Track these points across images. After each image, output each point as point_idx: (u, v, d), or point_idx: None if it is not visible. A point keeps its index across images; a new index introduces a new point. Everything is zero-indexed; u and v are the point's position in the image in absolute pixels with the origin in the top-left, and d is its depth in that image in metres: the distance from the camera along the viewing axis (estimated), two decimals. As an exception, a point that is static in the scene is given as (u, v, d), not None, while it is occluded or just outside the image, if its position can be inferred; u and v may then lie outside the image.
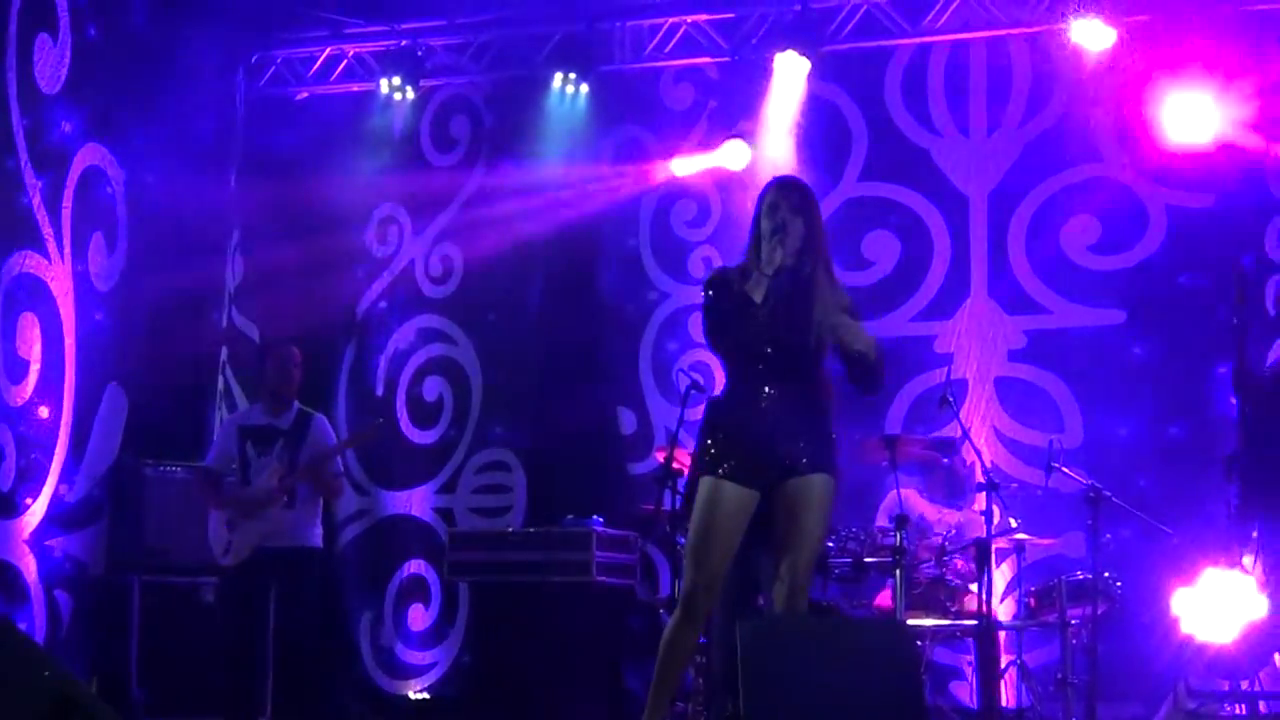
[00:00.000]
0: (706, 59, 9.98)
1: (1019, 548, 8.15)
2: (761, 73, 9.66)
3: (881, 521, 8.18)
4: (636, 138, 10.17)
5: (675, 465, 7.21)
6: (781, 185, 5.86)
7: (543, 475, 10.09)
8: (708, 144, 9.85)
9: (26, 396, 8.64)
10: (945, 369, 8.42)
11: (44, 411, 8.74)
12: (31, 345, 8.66)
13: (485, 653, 9.46)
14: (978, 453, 8.15)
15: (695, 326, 9.37)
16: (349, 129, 10.61)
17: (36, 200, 8.69)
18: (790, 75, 9.56)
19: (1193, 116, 8.81)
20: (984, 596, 7.50)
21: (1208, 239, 8.89)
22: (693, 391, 7.16)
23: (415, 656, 10.19)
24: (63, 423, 8.85)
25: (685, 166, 9.92)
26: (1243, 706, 7.45)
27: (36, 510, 8.67)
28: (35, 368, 8.68)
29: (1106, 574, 7.95)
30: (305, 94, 10.79)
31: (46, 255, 8.77)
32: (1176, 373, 8.92)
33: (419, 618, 10.23)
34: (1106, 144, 9.17)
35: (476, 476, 10.30)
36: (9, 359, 8.52)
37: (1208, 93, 8.78)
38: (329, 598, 9.33)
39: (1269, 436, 7.44)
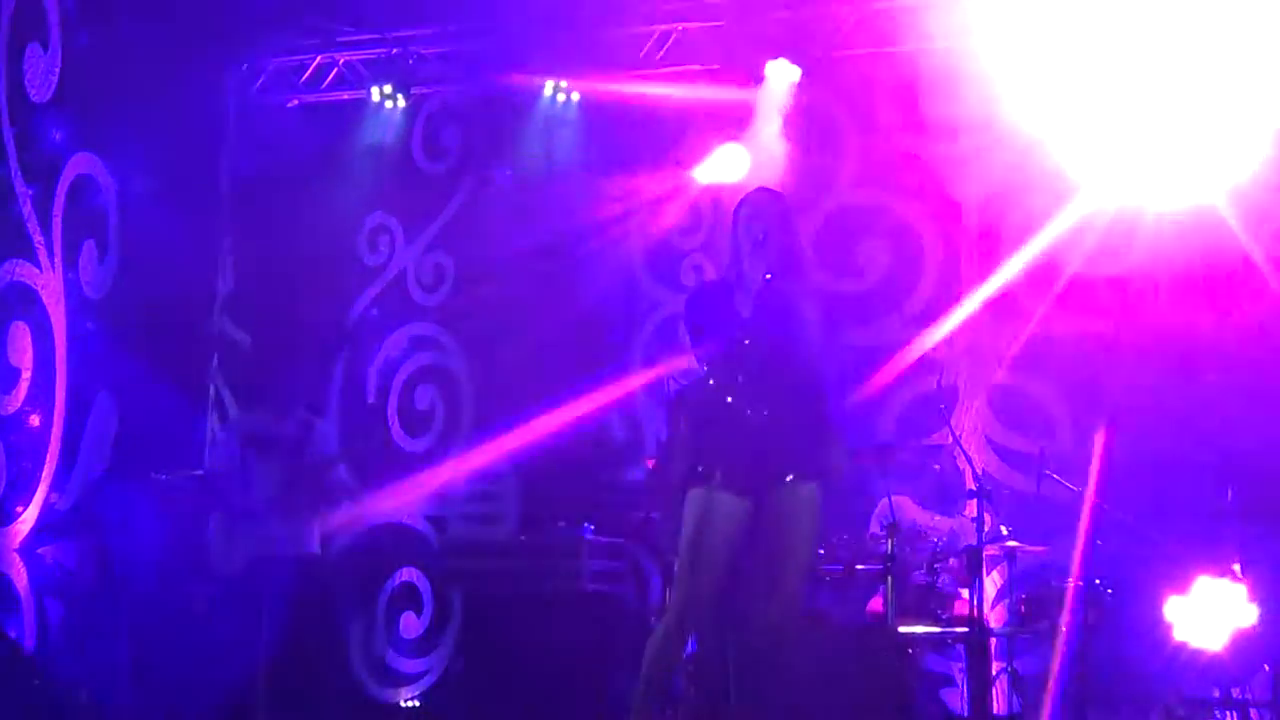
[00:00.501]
0: (697, 66, 9.99)
1: (1010, 554, 8.15)
2: (753, 81, 9.66)
3: (873, 528, 8.19)
4: (627, 146, 10.17)
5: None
6: (757, 198, 5.89)
7: (534, 483, 10.09)
8: (699, 152, 9.85)
9: (17, 405, 8.64)
10: (936, 377, 8.43)
11: (35, 420, 8.74)
12: (22, 354, 8.66)
13: (477, 660, 9.45)
14: (969, 459, 8.16)
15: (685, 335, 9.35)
16: (340, 137, 10.62)
17: (27, 209, 8.69)
18: (781, 83, 9.57)
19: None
20: (975, 603, 7.51)
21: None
22: (681, 399, 7.17)
23: (407, 664, 10.18)
24: (54, 431, 8.84)
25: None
26: (1234, 714, 7.47)
27: (27, 518, 8.67)
28: (26, 376, 8.68)
29: (1098, 581, 7.96)
30: (296, 102, 10.80)
31: (37, 264, 8.77)
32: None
33: (411, 625, 10.22)
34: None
35: (468, 484, 10.30)
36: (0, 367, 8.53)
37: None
38: (323, 605, 9.32)
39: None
